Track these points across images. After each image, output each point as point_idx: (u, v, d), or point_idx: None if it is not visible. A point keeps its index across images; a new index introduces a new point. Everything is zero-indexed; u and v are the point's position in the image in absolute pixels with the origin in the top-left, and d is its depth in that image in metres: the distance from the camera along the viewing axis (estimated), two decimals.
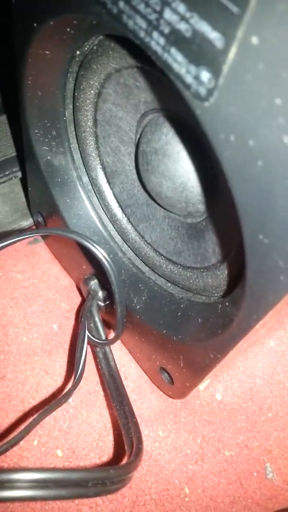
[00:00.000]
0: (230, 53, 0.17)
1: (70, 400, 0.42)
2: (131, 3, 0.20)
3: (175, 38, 0.19)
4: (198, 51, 0.18)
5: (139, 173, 0.34)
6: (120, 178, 0.38)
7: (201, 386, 0.45)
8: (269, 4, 0.15)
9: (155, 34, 0.20)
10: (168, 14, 0.19)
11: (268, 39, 0.15)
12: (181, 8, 0.18)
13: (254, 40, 0.16)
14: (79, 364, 0.35)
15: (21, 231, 0.49)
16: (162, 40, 0.20)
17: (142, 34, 0.20)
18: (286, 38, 0.15)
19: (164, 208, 0.35)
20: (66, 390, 0.36)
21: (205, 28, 0.17)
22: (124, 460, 0.37)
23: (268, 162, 0.18)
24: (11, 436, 0.39)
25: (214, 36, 0.17)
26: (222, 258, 0.31)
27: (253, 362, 0.48)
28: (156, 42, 0.20)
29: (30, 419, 0.38)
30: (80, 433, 0.41)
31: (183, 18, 0.18)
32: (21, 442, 0.38)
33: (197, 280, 0.34)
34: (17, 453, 0.39)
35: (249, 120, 0.18)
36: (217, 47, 0.17)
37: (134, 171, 0.37)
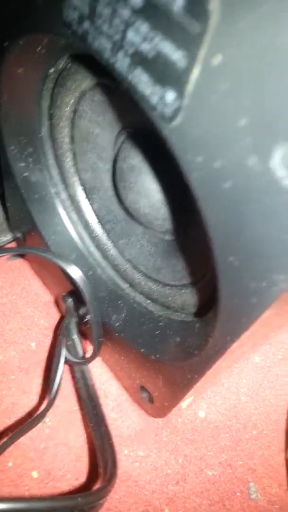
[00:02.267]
0: (193, 73, 0.16)
1: (47, 420, 0.41)
2: (95, 24, 0.20)
3: (140, 59, 0.19)
4: (162, 71, 0.18)
5: (117, 190, 0.34)
6: (99, 194, 0.38)
7: (184, 403, 0.45)
8: (231, 21, 0.15)
9: (120, 55, 0.19)
10: (131, 35, 0.18)
11: (230, 59, 0.15)
12: (144, 28, 0.18)
13: (216, 60, 0.16)
14: (54, 383, 0.34)
15: None
16: (126, 61, 0.19)
17: (107, 54, 0.20)
18: (247, 58, 0.15)
19: (143, 225, 0.34)
20: (41, 410, 0.35)
21: (167, 48, 0.17)
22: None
23: (235, 184, 0.18)
24: None
25: (176, 56, 0.17)
26: (199, 277, 0.31)
27: (238, 378, 0.48)
28: (121, 63, 0.20)
29: (4, 440, 0.37)
30: (56, 453, 0.40)
31: (146, 39, 0.18)
32: None
33: (176, 297, 0.33)
34: None
35: (215, 141, 0.17)
36: (180, 67, 0.17)
37: (112, 187, 0.37)
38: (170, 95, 0.18)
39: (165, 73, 0.18)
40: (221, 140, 0.17)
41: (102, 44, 0.20)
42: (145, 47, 0.18)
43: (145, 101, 0.19)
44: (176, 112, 0.18)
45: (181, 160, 0.19)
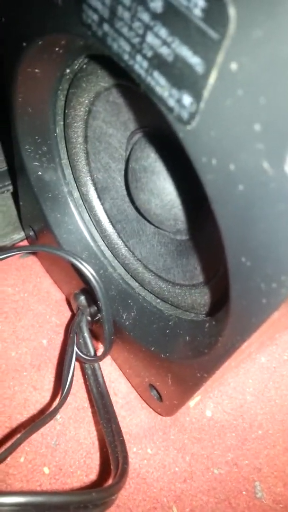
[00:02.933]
0: (210, 78, 0.17)
1: (58, 416, 0.42)
2: (115, 26, 0.20)
3: (158, 62, 0.19)
4: (180, 75, 0.18)
5: (129, 190, 0.34)
6: (110, 194, 0.38)
7: (191, 403, 0.45)
8: (246, 30, 0.15)
9: (139, 57, 0.20)
10: (150, 38, 0.19)
11: (247, 66, 0.16)
12: (163, 32, 0.18)
13: (233, 66, 0.16)
14: (66, 381, 0.34)
15: (8, 248, 0.49)
16: (145, 64, 0.20)
17: (126, 56, 0.21)
18: (263, 65, 0.15)
19: (154, 225, 0.35)
20: (52, 407, 0.35)
21: (185, 53, 0.17)
22: (111, 479, 0.37)
23: (248, 187, 0.18)
24: None
25: (194, 61, 0.17)
26: (210, 277, 0.31)
27: (244, 379, 0.48)
28: (140, 65, 0.20)
29: (17, 436, 0.38)
30: (67, 450, 0.40)
31: (165, 43, 0.18)
32: (8, 459, 0.38)
33: (186, 297, 0.34)
34: (3, 470, 0.38)
35: (230, 145, 0.18)
36: (197, 72, 0.17)
37: (124, 187, 0.37)
38: (187, 99, 0.18)
39: (182, 77, 0.18)
40: (235, 144, 0.17)
41: (122, 47, 0.21)
42: (164, 51, 0.18)
43: (162, 104, 0.20)
44: (192, 115, 0.19)
45: (196, 162, 0.20)
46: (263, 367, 0.49)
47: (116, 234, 0.40)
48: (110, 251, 0.41)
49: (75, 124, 0.35)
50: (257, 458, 0.43)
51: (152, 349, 0.35)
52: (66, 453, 0.40)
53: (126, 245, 0.40)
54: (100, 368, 0.40)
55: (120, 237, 0.40)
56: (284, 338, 0.51)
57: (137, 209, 0.35)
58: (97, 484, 0.39)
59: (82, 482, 0.39)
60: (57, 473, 0.39)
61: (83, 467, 0.40)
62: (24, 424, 0.41)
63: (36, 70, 0.31)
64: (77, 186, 0.40)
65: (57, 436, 0.41)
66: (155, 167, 0.30)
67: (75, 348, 0.38)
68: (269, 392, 0.47)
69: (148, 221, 0.35)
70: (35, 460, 0.39)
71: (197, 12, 0.16)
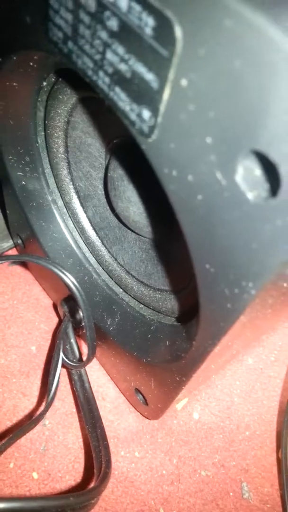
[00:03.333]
0: (165, 94, 0.18)
1: (46, 422, 0.42)
2: (78, 44, 0.21)
3: (118, 78, 0.20)
4: (138, 91, 0.19)
5: (109, 198, 0.35)
6: (93, 201, 0.39)
7: (179, 405, 0.46)
8: (192, 49, 0.16)
9: (101, 73, 0.21)
10: (109, 55, 0.19)
11: (195, 82, 0.16)
12: (120, 50, 0.19)
13: (183, 82, 0.17)
14: (52, 387, 0.35)
15: None
16: (107, 79, 0.20)
17: (90, 72, 0.21)
18: (209, 81, 0.16)
19: (134, 231, 0.35)
20: (39, 412, 0.36)
21: (141, 69, 0.18)
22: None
23: (206, 196, 0.19)
24: None
25: (149, 77, 0.18)
26: (186, 282, 0.32)
27: (231, 380, 0.48)
28: (102, 81, 0.21)
29: (3, 441, 0.38)
30: (56, 455, 0.41)
31: (122, 59, 0.19)
32: None
33: (166, 302, 0.34)
34: None
35: (187, 157, 0.18)
36: (153, 88, 0.18)
37: (105, 195, 0.38)
38: (146, 113, 0.19)
39: (140, 92, 0.19)
40: (191, 156, 0.18)
41: (85, 63, 0.22)
42: (122, 67, 0.19)
43: (125, 117, 0.21)
44: (152, 129, 0.19)
45: (159, 173, 0.21)
46: (250, 369, 0.50)
47: (99, 241, 0.41)
48: (94, 257, 0.42)
49: (55, 134, 0.36)
50: (244, 459, 0.43)
51: (135, 353, 0.36)
52: (54, 458, 0.41)
53: (109, 252, 0.40)
54: (86, 374, 0.41)
55: (103, 244, 0.40)
56: (271, 340, 0.52)
57: (117, 216, 0.36)
58: (85, 488, 0.39)
59: (71, 486, 0.39)
60: (46, 478, 0.40)
61: (71, 471, 0.40)
62: (13, 430, 0.41)
63: (14, 84, 0.31)
64: (60, 194, 0.41)
65: (46, 442, 0.41)
66: (131, 175, 0.31)
67: (61, 354, 0.39)
68: (256, 393, 0.48)
69: (128, 227, 0.35)
70: (24, 465, 0.40)
71: (148, 31, 0.17)
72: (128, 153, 0.31)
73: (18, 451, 0.41)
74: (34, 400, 0.44)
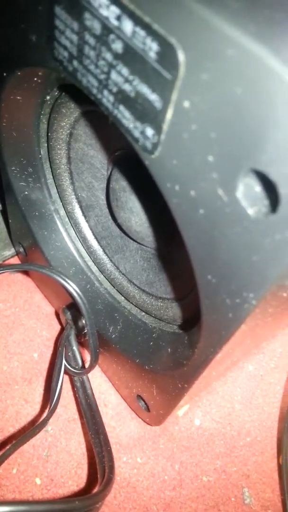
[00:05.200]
0: (168, 114, 0.18)
1: (49, 428, 0.43)
2: (83, 63, 0.22)
3: (122, 97, 0.20)
4: (142, 110, 0.20)
5: (111, 208, 0.36)
6: (95, 211, 0.40)
7: (180, 412, 0.46)
8: (195, 73, 0.16)
9: (105, 92, 0.21)
10: (114, 76, 0.20)
11: (197, 104, 0.17)
12: (125, 71, 0.19)
13: (186, 104, 0.17)
14: (55, 394, 0.36)
15: None
16: (111, 98, 0.21)
17: (94, 91, 0.22)
18: (211, 104, 0.16)
19: (136, 241, 0.36)
20: (42, 419, 0.37)
21: (145, 90, 0.19)
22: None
23: (208, 211, 0.19)
24: None
25: (153, 97, 0.19)
26: (188, 291, 0.32)
27: (232, 387, 0.49)
28: (107, 99, 0.21)
29: (7, 448, 0.39)
30: (58, 461, 0.41)
31: (127, 80, 0.20)
32: (0, 471, 0.39)
33: (167, 310, 0.35)
34: None
35: (189, 173, 0.19)
36: (156, 108, 0.19)
37: (107, 205, 0.38)
38: (149, 131, 0.20)
39: (144, 111, 0.20)
40: (193, 172, 0.19)
41: (90, 82, 0.22)
42: (127, 87, 0.20)
43: (129, 134, 0.21)
44: (155, 146, 0.20)
45: (162, 187, 0.21)
46: (250, 375, 0.50)
47: (101, 250, 0.41)
48: (96, 266, 0.42)
49: (58, 146, 0.37)
50: (246, 465, 0.44)
51: (137, 361, 0.36)
52: (57, 464, 0.41)
53: (111, 261, 0.41)
54: (88, 380, 0.42)
55: (105, 253, 0.41)
56: (271, 346, 0.53)
57: (119, 225, 0.36)
58: (87, 493, 0.40)
59: (73, 492, 0.40)
60: (49, 483, 0.40)
61: (74, 477, 0.41)
62: (16, 436, 0.42)
63: (18, 97, 0.32)
64: (62, 204, 0.41)
65: (49, 448, 0.42)
66: (133, 187, 0.32)
67: (64, 361, 0.39)
68: (257, 399, 0.48)
69: (130, 237, 0.36)
70: (27, 471, 0.40)
71: (152, 54, 0.18)
72: (130, 165, 0.32)
73: (21, 457, 0.41)
74: (36, 407, 0.44)
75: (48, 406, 0.37)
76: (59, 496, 0.40)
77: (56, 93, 0.33)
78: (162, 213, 0.31)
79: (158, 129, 0.19)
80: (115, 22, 0.18)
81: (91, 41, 0.20)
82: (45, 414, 0.43)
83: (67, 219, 0.42)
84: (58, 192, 0.41)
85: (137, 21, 0.17)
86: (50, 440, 0.42)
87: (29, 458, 0.41)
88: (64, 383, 0.39)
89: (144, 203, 0.32)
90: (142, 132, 0.20)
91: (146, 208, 0.32)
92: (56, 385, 0.37)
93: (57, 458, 0.42)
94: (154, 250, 0.36)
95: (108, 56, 0.20)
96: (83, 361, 0.42)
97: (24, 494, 0.39)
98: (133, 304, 0.40)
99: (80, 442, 0.43)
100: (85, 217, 0.41)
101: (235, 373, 0.50)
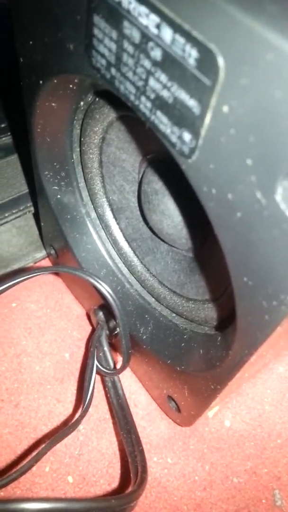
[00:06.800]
0: (206, 119, 0.19)
1: (81, 427, 0.43)
2: (121, 71, 0.22)
3: (160, 103, 0.21)
4: (180, 115, 0.20)
5: (142, 211, 0.36)
6: (125, 214, 0.40)
7: (210, 413, 0.46)
8: (234, 78, 0.17)
9: (143, 99, 0.22)
10: (152, 82, 0.21)
11: (236, 108, 0.17)
12: (163, 77, 0.20)
13: (225, 108, 0.18)
14: (87, 394, 0.36)
15: (33, 268, 0.51)
16: (149, 104, 0.22)
17: (132, 97, 0.23)
18: (250, 108, 0.17)
19: (167, 243, 0.36)
20: (75, 418, 0.37)
21: (183, 96, 0.19)
22: (131, 488, 0.39)
23: (245, 214, 0.20)
24: (23, 463, 0.40)
25: (191, 103, 0.19)
26: (220, 292, 0.32)
27: (262, 388, 0.49)
28: (144, 105, 0.22)
29: (42, 447, 0.40)
30: (90, 459, 0.42)
31: (165, 87, 0.20)
32: (34, 468, 0.40)
33: (199, 312, 0.35)
34: (30, 479, 0.40)
35: (227, 177, 0.19)
36: (195, 113, 0.19)
37: (138, 207, 0.39)
38: (187, 136, 0.20)
39: (182, 117, 0.20)
40: (232, 176, 0.19)
41: (128, 89, 0.23)
42: (165, 93, 0.20)
43: (166, 139, 0.22)
44: (192, 150, 0.20)
45: (198, 191, 0.22)
46: (281, 377, 0.50)
47: (132, 252, 0.42)
48: (127, 268, 0.43)
49: (91, 150, 0.37)
50: (276, 467, 0.44)
51: (169, 362, 0.37)
52: (89, 462, 0.42)
53: (141, 262, 0.41)
54: (120, 381, 0.42)
55: (136, 254, 0.42)
56: None
57: (150, 228, 0.37)
58: (119, 492, 0.40)
59: (105, 490, 0.41)
60: (81, 482, 0.41)
61: (105, 476, 0.41)
62: (49, 435, 0.43)
63: (53, 104, 0.33)
64: (94, 207, 0.42)
65: (80, 446, 0.43)
66: (166, 189, 0.32)
67: (95, 362, 0.40)
68: None
69: (161, 239, 0.36)
70: (59, 469, 0.41)
71: (191, 61, 0.18)
72: (162, 168, 0.32)
73: (54, 456, 0.42)
74: (68, 406, 0.45)
75: (81, 406, 0.38)
76: (91, 495, 0.40)
77: (90, 98, 0.34)
78: (194, 215, 0.32)
79: (195, 134, 0.20)
80: (154, 30, 0.19)
81: (130, 49, 0.21)
82: (77, 414, 0.44)
83: (98, 222, 0.43)
84: (89, 195, 0.42)
85: (177, 28, 0.18)
86: (82, 439, 0.43)
87: (61, 456, 0.42)
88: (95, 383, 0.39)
89: (176, 206, 0.32)
90: (180, 137, 0.21)
91: (178, 210, 0.32)
92: (89, 386, 0.38)
93: (88, 457, 0.42)
94: (186, 252, 0.36)
95: (147, 64, 0.20)
96: (114, 362, 0.42)
97: (57, 492, 0.40)
98: (163, 305, 0.40)
99: (111, 442, 0.43)
100: (116, 219, 0.42)
101: (265, 375, 0.50)
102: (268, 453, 0.44)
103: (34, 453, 0.41)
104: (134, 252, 0.42)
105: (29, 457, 0.41)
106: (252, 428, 0.46)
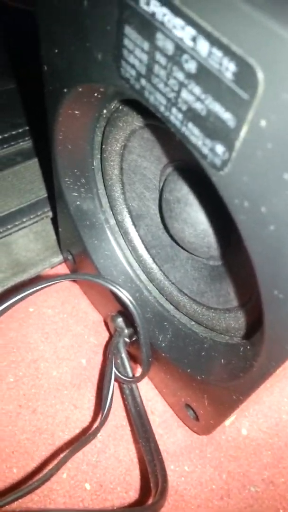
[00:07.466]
0: (242, 132, 0.19)
1: (98, 434, 0.43)
2: (152, 82, 0.22)
3: (192, 115, 0.21)
4: (213, 128, 0.20)
5: (163, 218, 0.36)
6: (145, 221, 0.40)
7: (227, 421, 0.46)
8: (274, 92, 0.17)
9: (174, 110, 0.22)
10: (185, 94, 0.21)
11: (275, 123, 0.17)
12: (197, 90, 0.20)
13: (263, 122, 0.18)
14: (106, 401, 0.36)
15: (50, 275, 0.52)
16: (180, 116, 0.22)
17: (162, 108, 0.23)
18: None
19: (187, 251, 0.36)
20: (94, 426, 0.37)
21: (218, 109, 0.19)
22: (150, 496, 0.38)
23: (279, 227, 0.19)
24: (41, 470, 0.40)
25: (226, 116, 0.19)
26: (243, 302, 0.32)
27: (280, 397, 0.49)
28: (175, 117, 0.22)
29: (59, 453, 0.40)
30: (107, 467, 0.42)
31: (198, 99, 0.20)
32: None
33: (220, 320, 0.35)
34: (47, 486, 0.40)
35: (261, 190, 0.19)
36: (229, 126, 0.19)
37: (158, 214, 0.39)
38: (220, 148, 0.20)
39: (215, 129, 0.20)
40: (266, 189, 0.19)
41: (158, 100, 0.23)
42: (198, 106, 0.20)
43: (197, 151, 0.22)
44: (225, 162, 0.20)
45: (229, 204, 0.21)
46: None
47: (151, 259, 0.42)
48: (146, 275, 0.43)
49: (111, 158, 0.37)
50: None
51: (188, 370, 0.36)
52: (106, 470, 0.42)
53: (161, 270, 0.41)
54: (137, 388, 0.42)
55: (155, 262, 0.42)
56: None
57: (171, 236, 0.37)
58: (137, 500, 0.40)
59: (122, 498, 0.40)
60: (98, 489, 0.41)
61: (123, 483, 0.41)
62: (66, 441, 0.43)
63: (76, 112, 0.33)
64: (113, 214, 0.42)
65: (98, 454, 0.43)
66: (188, 198, 0.32)
67: (114, 369, 0.40)
68: None
69: (182, 247, 0.36)
70: (77, 476, 0.41)
71: (229, 75, 0.18)
72: (185, 176, 0.32)
73: (71, 462, 0.42)
74: (85, 412, 0.45)
75: (100, 414, 0.38)
76: (109, 502, 0.40)
77: (113, 106, 0.34)
78: (217, 225, 0.32)
79: (229, 147, 0.19)
80: (190, 43, 0.19)
81: (162, 60, 0.21)
82: (96, 421, 0.44)
83: (117, 229, 0.43)
84: (109, 202, 0.42)
85: (214, 42, 0.18)
86: (99, 446, 0.43)
87: (79, 463, 0.42)
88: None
89: (198, 215, 0.32)
90: (212, 149, 0.21)
91: (200, 219, 0.32)
92: (108, 393, 0.38)
93: (106, 464, 0.42)
94: (206, 260, 0.36)
95: (180, 76, 0.20)
96: (132, 369, 0.42)
97: (75, 499, 0.40)
98: (183, 313, 0.40)
99: (129, 449, 0.43)
100: (135, 226, 0.41)
101: (283, 383, 0.49)
102: (285, 463, 0.44)
103: (51, 459, 0.41)
104: (153, 259, 0.42)
105: (47, 464, 0.41)
106: (269, 437, 0.46)
